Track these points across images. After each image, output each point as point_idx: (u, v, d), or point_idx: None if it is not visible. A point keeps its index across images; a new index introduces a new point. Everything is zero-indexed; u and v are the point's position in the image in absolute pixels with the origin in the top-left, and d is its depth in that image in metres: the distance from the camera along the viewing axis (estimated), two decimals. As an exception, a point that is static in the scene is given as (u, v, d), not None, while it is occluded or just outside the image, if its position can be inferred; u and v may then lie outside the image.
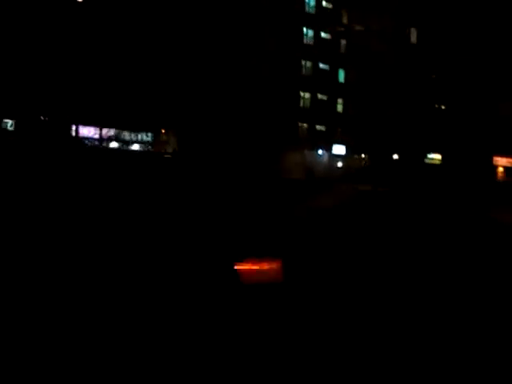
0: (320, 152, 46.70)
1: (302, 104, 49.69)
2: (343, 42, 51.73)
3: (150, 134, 51.79)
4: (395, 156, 48.85)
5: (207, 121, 46.96)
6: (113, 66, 44.37)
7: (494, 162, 55.80)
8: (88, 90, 43.11)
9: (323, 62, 50.58)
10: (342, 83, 52.33)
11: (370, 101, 49.94)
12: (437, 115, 51.37)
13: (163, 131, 51.99)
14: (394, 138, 47.42)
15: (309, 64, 49.66)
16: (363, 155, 48.97)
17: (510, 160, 57.45)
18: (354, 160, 48.07)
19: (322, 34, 50.38)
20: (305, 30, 49.32)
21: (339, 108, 52.35)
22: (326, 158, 46.32)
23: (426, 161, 51.47)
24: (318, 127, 50.62)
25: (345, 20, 51.47)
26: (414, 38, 51.97)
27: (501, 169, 57.87)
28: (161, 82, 46.17)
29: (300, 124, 49.59)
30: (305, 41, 49.34)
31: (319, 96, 50.58)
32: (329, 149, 46.73)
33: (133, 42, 44.44)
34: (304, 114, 49.75)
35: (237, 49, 45.93)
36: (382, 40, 48.60)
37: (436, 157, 52.60)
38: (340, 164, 46.07)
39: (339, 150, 49.31)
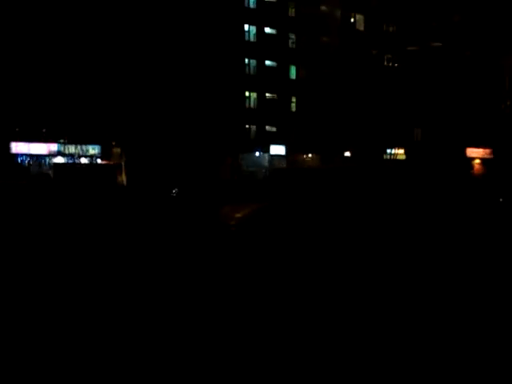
0: (257, 154, 43.74)
1: (248, 105, 46.94)
2: (292, 36, 49.01)
3: (97, 147, 49.76)
4: (347, 153, 45.47)
5: (153, 129, 44.70)
6: (55, 80, 42.62)
7: (469, 154, 51.84)
8: (28, 103, 41.56)
9: (270, 59, 47.76)
10: (293, 80, 49.50)
11: (323, 97, 46.81)
12: (399, 108, 47.89)
13: (113, 143, 49.92)
14: (348, 134, 44.15)
15: (253, 62, 46.99)
16: (310, 154, 45.72)
17: (486, 151, 53.40)
18: (302, 160, 44.85)
19: (267, 30, 47.68)
20: (246, 26, 46.67)
21: (294, 107, 49.63)
22: (266, 159, 43.23)
23: (387, 156, 48.02)
24: (270, 128, 47.78)
25: (292, 13, 48.71)
26: (362, 27, 48.74)
27: (477, 161, 53.82)
28: (103, 92, 44.19)
29: (248, 126, 46.81)
30: (247, 38, 46.75)
31: (268, 95, 47.75)
32: (268, 150, 43.74)
33: (69, 50, 42.66)
34: (252, 114, 46.91)
35: (176, 51, 43.60)
36: (331, 31, 45.59)
37: (398, 152, 48.94)
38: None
39: (278, 150, 46.18)
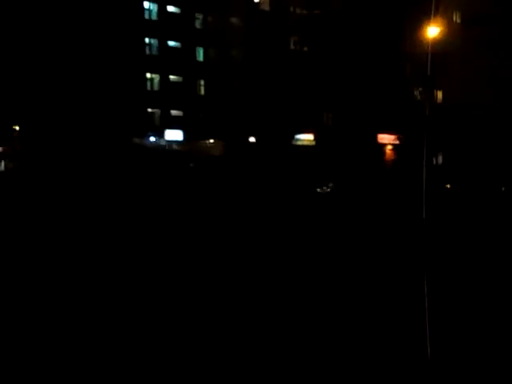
0: (152, 139, 41.40)
1: (151, 87, 44.35)
2: (200, 17, 46.74)
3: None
4: (252, 139, 43.86)
5: (52, 114, 41.40)
6: None
7: (380, 140, 51.46)
8: None
9: (173, 40, 45.34)
10: (201, 62, 47.29)
11: (230, 80, 44.90)
12: (309, 93, 46.66)
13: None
14: (254, 119, 42.51)
15: (155, 42, 44.41)
16: (212, 140, 43.71)
17: (396, 137, 53.18)
18: (202, 146, 42.80)
19: (170, 9, 45.14)
20: (147, 4, 44.00)
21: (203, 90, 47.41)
22: (162, 144, 40.84)
23: (296, 142, 46.78)
24: (177, 113, 45.44)
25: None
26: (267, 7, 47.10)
27: (389, 147, 53.60)
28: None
29: (152, 110, 44.28)
30: (148, 17, 44.07)
31: (172, 78, 45.38)
32: (162, 134, 41.37)
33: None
34: (155, 98, 44.36)
35: (68, 26, 40.42)
36: (236, 12, 43.68)
37: (307, 137, 47.79)
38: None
39: (175, 135, 43.84)
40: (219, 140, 43.15)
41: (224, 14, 45.52)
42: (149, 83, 43.77)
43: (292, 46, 45.22)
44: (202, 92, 47.04)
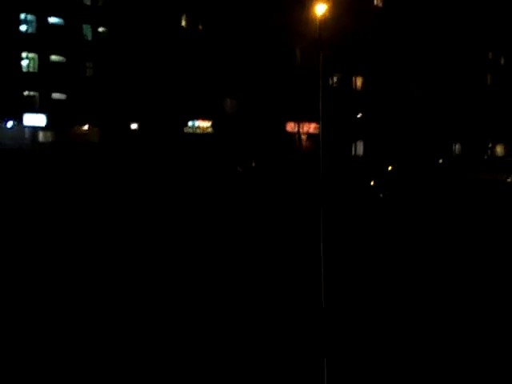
0: (9, 124, 37.36)
1: (27, 68, 40.55)
2: (86, -8, 42.88)
3: None
4: (134, 126, 40.20)
5: None
6: None
7: (291, 129, 48.55)
8: None
9: (55, 16, 41.51)
10: (90, 42, 43.53)
11: (116, 61, 41.25)
12: (207, 77, 43.25)
13: None
14: (137, 104, 38.93)
15: (32, 18, 40.53)
16: (87, 126, 39.93)
17: (315, 126, 50.42)
18: (76, 132, 39.00)
19: (51, -19, 41.21)
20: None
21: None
22: (24, 132, 36.77)
23: (188, 130, 43.37)
24: (60, 96, 41.67)
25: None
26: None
27: (304, 136, 50.77)
28: None
29: (28, 92, 40.47)
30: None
31: (54, 58, 41.58)
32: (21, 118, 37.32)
33: None
34: (32, 79, 40.55)
35: None
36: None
37: (203, 124, 44.43)
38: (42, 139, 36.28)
39: (37, 120, 40.12)
40: (94, 126, 39.54)
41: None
42: (26, 63, 40.16)
43: (184, 24, 41.65)
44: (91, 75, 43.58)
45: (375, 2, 54.86)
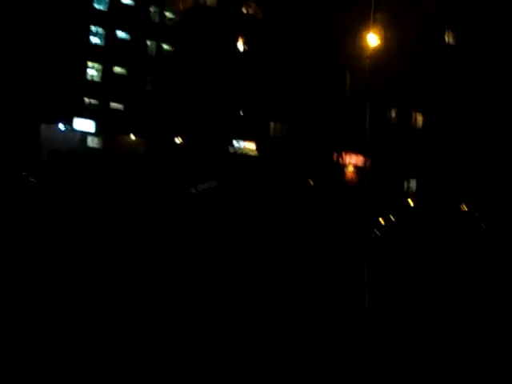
0: (62, 126, 39.57)
1: (92, 77, 43.11)
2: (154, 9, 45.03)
3: None
4: (178, 140, 41.14)
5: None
6: None
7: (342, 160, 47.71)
8: None
9: (123, 30, 43.81)
10: (152, 57, 45.45)
11: (179, 79, 42.79)
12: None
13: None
14: (185, 119, 40.08)
15: (101, 31, 43.12)
16: (133, 136, 41.55)
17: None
18: (122, 140, 40.68)
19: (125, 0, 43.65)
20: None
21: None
22: (69, 134, 38.68)
23: (233, 150, 43.76)
24: (116, 105, 43.84)
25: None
26: None
27: (351, 168, 49.76)
28: None
29: (89, 100, 42.96)
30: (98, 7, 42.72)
31: (117, 69, 43.84)
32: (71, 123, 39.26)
33: None
34: (94, 87, 43.00)
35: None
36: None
37: (248, 145, 44.63)
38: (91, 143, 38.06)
39: (86, 125, 41.82)
40: (141, 137, 41.28)
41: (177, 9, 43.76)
42: (91, 73, 42.94)
43: (239, 47, 42.67)
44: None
45: (447, 39, 53.38)
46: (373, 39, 40.43)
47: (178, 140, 39.75)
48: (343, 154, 48.60)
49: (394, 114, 52.87)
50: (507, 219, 25.38)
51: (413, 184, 54.55)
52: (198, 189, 26.34)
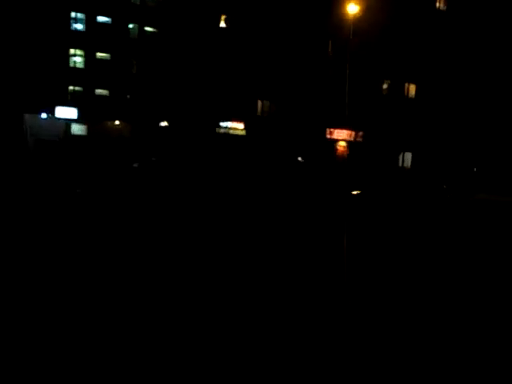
0: (44, 115, 39.17)
1: (74, 64, 42.60)
2: (137, -8, 44.23)
3: None
4: (164, 123, 40.72)
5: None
6: None
7: (331, 136, 47.01)
8: None
9: (104, 15, 43.15)
10: (136, 40, 44.80)
11: (163, 61, 42.17)
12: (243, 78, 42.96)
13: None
14: (171, 102, 39.48)
15: (81, 17, 42.44)
16: (118, 122, 41.02)
17: (358, 133, 48.48)
18: (108, 125, 40.20)
19: (102, -17, 42.90)
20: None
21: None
22: (59, 125, 38.25)
23: (220, 130, 43.32)
24: (101, 92, 43.38)
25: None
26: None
27: (342, 143, 49.04)
28: None
29: (72, 87, 42.52)
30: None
31: (100, 55, 43.30)
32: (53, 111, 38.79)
33: None
34: (77, 75, 42.51)
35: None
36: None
37: (235, 126, 44.14)
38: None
39: (68, 113, 41.21)
40: (126, 122, 40.81)
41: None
42: (73, 60, 42.42)
43: (222, 25, 41.79)
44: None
45: (437, 4, 51.84)
46: (354, 7, 39.25)
47: (163, 123, 39.39)
48: (332, 129, 48.01)
49: (385, 86, 52.03)
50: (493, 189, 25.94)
51: (408, 157, 53.79)
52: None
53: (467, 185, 26.98)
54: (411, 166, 53.29)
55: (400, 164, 52.77)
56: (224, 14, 40.76)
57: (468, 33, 51.26)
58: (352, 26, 36.35)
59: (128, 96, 42.93)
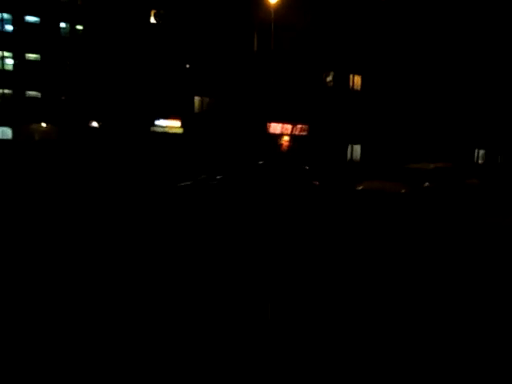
0: None
1: (2, 66, 41.30)
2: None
3: None
4: (94, 124, 39.72)
5: None
6: None
7: (273, 130, 46.30)
8: None
9: (32, 14, 41.96)
10: (67, 39, 43.67)
11: (95, 60, 41.11)
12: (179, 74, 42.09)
13: None
14: (102, 102, 38.50)
15: (8, 17, 41.22)
16: (44, 124, 39.69)
17: (302, 127, 47.72)
18: (34, 129, 39.00)
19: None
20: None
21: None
22: None
23: (156, 129, 42.44)
24: (33, 94, 42.16)
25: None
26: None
27: (286, 138, 48.26)
28: None
29: (2, 90, 41.22)
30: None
31: (29, 56, 42.08)
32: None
33: None
34: (6, 77, 41.25)
35: None
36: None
37: (172, 124, 43.31)
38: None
39: None
40: (53, 124, 39.61)
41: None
42: (1, 62, 41.08)
43: (152, 20, 40.90)
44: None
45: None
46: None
47: (95, 124, 38.17)
48: (272, 123, 47.23)
49: (330, 78, 51.40)
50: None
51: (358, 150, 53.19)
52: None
53: (344, 175, 25.71)
54: (360, 158, 52.79)
55: (349, 157, 52.30)
56: (153, 9, 39.81)
57: (412, 21, 50.88)
58: (273, 16, 35.62)
59: (63, 97, 41.79)
